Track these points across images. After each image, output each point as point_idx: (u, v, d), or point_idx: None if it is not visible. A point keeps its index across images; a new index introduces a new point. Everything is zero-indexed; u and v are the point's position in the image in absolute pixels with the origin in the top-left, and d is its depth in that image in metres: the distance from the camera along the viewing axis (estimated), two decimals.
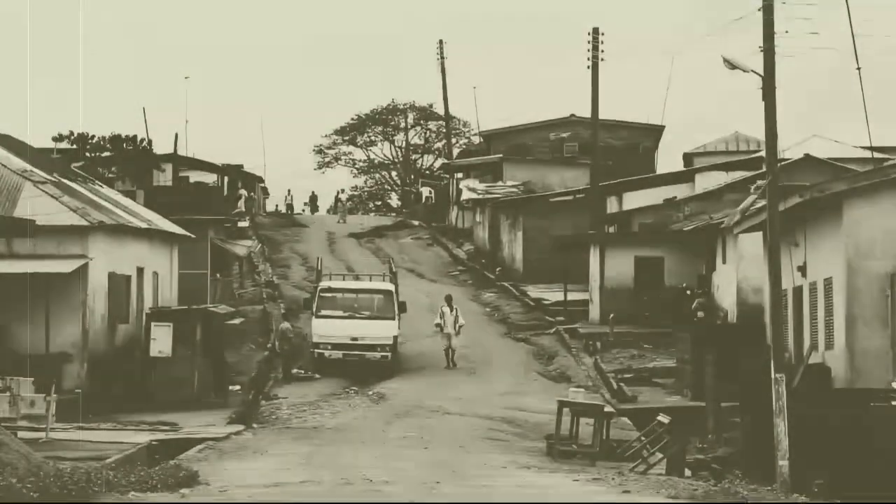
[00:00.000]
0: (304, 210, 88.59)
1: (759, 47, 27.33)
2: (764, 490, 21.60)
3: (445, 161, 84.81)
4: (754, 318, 37.97)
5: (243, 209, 69.17)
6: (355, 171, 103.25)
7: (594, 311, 49.01)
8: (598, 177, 56.13)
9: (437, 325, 43.22)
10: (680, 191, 54.37)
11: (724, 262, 43.69)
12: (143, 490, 19.55)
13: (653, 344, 44.37)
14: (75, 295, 35.67)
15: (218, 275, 52.14)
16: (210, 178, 66.50)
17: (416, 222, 76.42)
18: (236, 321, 46.23)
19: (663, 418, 28.19)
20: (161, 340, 36.48)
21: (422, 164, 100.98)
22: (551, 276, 54.25)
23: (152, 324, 36.86)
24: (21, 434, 26.19)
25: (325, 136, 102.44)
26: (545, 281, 55.25)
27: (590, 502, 20.30)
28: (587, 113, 58.02)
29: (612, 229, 54.55)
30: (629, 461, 27.42)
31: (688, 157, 64.94)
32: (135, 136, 58.30)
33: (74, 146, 56.31)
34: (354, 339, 41.31)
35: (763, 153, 36.75)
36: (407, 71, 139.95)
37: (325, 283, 43.54)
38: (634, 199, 55.60)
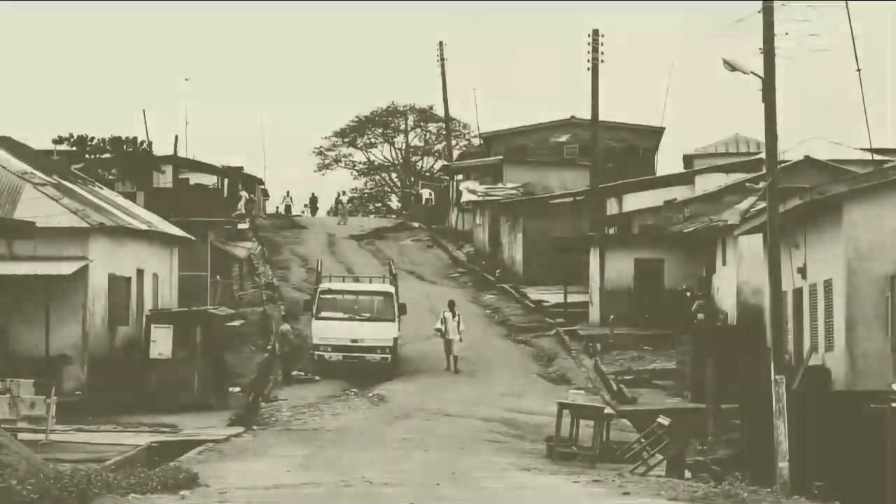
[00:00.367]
0: (303, 212, 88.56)
1: (759, 49, 27.36)
2: (764, 492, 21.62)
3: (445, 163, 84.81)
4: (754, 320, 37.96)
5: (243, 211, 69.18)
6: (355, 172, 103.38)
7: (594, 313, 49.00)
8: (598, 178, 56.12)
9: (438, 329, 43.07)
10: (680, 192, 54.35)
11: (724, 263, 43.68)
12: (143, 492, 19.56)
13: (653, 346, 44.36)
14: (75, 297, 35.67)
15: (218, 277, 52.11)
16: (210, 180, 66.45)
17: (416, 224, 76.42)
18: (236, 323, 46.20)
19: (663, 420, 28.19)
20: (161, 342, 36.47)
21: (422, 166, 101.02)
22: (551, 278, 54.24)
23: (152, 326, 36.84)
24: (21, 436, 26.21)
25: (326, 137, 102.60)
26: (545, 283, 55.24)
27: None
28: (587, 114, 58.00)
29: (612, 231, 54.51)
30: (629, 463, 27.42)
31: (688, 159, 64.90)
32: (135, 138, 58.32)
33: (74, 148, 56.30)
34: (354, 340, 41.29)
35: (763, 155, 36.75)
36: (407, 72, 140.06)
37: (325, 285, 43.51)
38: (634, 201, 55.57)
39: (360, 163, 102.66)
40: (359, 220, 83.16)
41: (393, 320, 42.11)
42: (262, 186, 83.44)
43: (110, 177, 55.05)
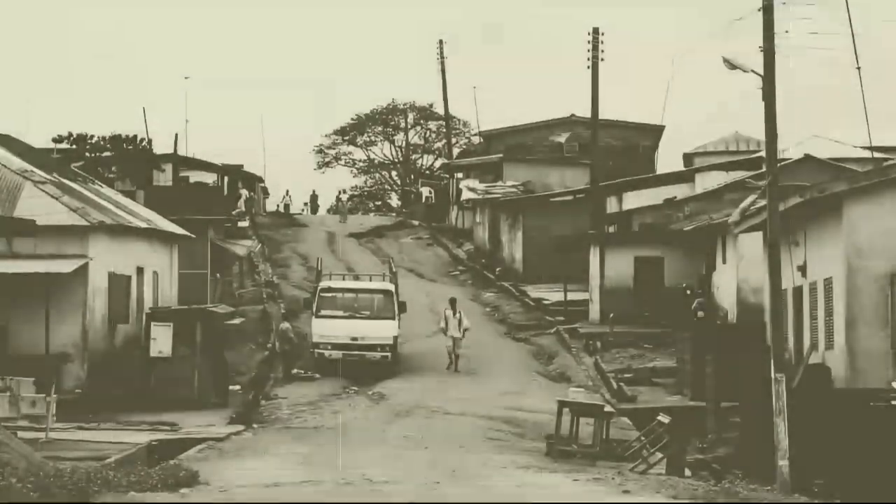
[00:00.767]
0: (303, 210, 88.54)
1: (759, 47, 27.35)
2: (764, 490, 21.63)
3: (445, 161, 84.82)
4: (754, 318, 37.97)
5: (243, 209, 69.16)
6: (355, 170, 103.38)
7: (594, 311, 49.01)
8: (598, 177, 56.12)
9: (442, 329, 43.02)
10: (680, 191, 54.39)
11: (724, 261, 43.70)
12: (143, 490, 19.56)
13: (653, 344, 44.37)
14: (75, 295, 35.67)
15: (218, 275, 52.12)
16: (210, 178, 66.40)
17: (416, 222, 76.41)
18: (236, 321, 46.18)
19: (663, 418, 28.19)
20: (161, 340, 36.46)
21: (422, 164, 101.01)
22: (551, 276, 54.26)
23: (152, 324, 36.84)
24: (21, 434, 26.21)
25: (326, 135, 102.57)
26: (545, 281, 55.26)
27: (590, 502, 20.30)
28: (587, 113, 58.00)
29: (611, 229, 54.55)
30: (629, 461, 27.40)
31: (688, 157, 64.94)
32: (135, 136, 58.22)
33: (74, 146, 56.25)
34: (354, 338, 41.30)
35: (763, 153, 36.76)
36: (407, 71, 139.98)
37: (325, 283, 43.53)
38: (634, 199, 55.61)
39: (360, 161, 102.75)
40: (359, 218, 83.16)
41: (393, 318, 42.12)
42: (262, 184, 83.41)
43: (110, 175, 54.97)
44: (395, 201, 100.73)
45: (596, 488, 22.10)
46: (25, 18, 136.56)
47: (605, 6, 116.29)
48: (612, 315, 45.96)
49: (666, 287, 47.09)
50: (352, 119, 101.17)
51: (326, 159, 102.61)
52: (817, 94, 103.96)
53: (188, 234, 45.58)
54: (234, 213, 64.52)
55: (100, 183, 47.03)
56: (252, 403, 36.64)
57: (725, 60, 27.55)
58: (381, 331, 41.50)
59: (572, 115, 69.42)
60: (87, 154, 56.27)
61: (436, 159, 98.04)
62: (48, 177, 38.84)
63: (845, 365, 28.97)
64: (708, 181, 53.03)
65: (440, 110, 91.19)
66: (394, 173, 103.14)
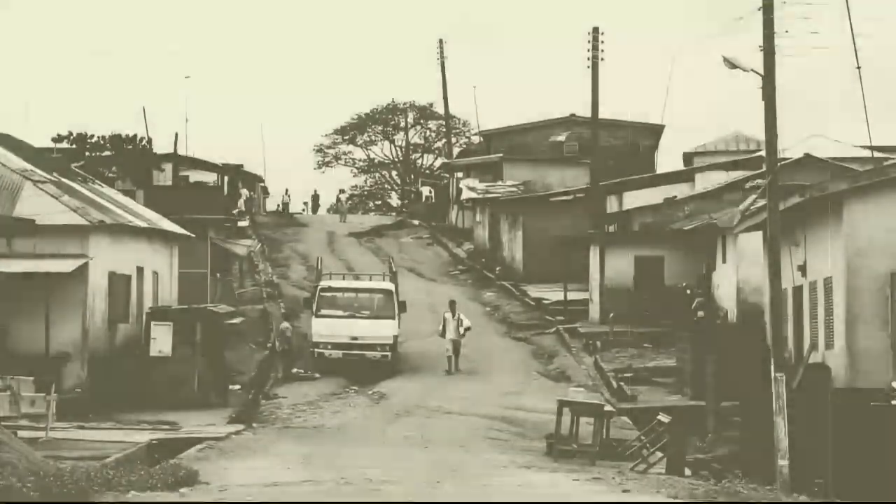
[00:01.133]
0: (303, 210, 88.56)
1: (759, 47, 27.36)
2: (764, 489, 21.61)
3: (445, 160, 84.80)
4: (754, 318, 37.98)
5: (243, 209, 69.15)
6: (355, 170, 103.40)
7: (594, 311, 49.01)
8: (598, 176, 56.14)
9: (440, 332, 42.98)
10: (680, 190, 54.38)
11: (724, 261, 43.69)
12: (143, 489, 19.56)
13: (653, 343, 44.37)
14: (75, 294, 35.64)
15: (218, 274, 52.12)
16: (210, 178, 66.38)
17: (416, 222, 76.41)
18: (236, 321, 46.19)
19: (663, 417, 28.20)
20: (161, 340, 36.47)
21: (422, 164, 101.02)
22: (551, 276, 54.26)
23: (152, 323, 36.85)
24: (21, 433, 26.20)
25: (326, 135, 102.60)
26: (545, 280, 55.26)
27: (590, 502, 20.29)
28: (587, 112, 57.99)
29: (612, 229, 54.55)
30: (629, 460, 27.41)
31: (688, 157, 64.92)
32: (135, 136, 58.20)
33: (74, 146, 56.24)
34: (354, 338, 41.32)
35: (763, 152, 36.76)
36: (407, 70, 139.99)
37: (325, 283, 43.54)
38: (634, 199, 55.60)
39: (360, 160, 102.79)
40: (359, 217, 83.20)
41: (393, 318, 42.13)
42: (262, 184, 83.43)
43: (110, 174, 54.95)
44: (395, 201, 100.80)
45: (596, 488, 22.09)
46: (25, 18, 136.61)
47: (606, 5, 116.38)
48: (612, 315, 45.95)
49: (666, 287, 47.08)
50: (352, 119, 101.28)
51: (326, 159, 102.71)
52: (817, 94, 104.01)
53: (188, 233, 45.56)
54: (234, 212, 64.54)
55: (100, 182, 47.01)
56: (252, 403, 36.63)
57: (725, 60, 27.57)
58: (381, 330, 41.51)
59: (572, 115, 69.40)
60: (87, 153, 56.25)
61: (436, 159, 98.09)
62: (48, 176, 38.82)
63: (845, 365, 28.97)
64: (708, 181, 53.04)
65: (440, 110, 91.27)
66: (394, 173, 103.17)
